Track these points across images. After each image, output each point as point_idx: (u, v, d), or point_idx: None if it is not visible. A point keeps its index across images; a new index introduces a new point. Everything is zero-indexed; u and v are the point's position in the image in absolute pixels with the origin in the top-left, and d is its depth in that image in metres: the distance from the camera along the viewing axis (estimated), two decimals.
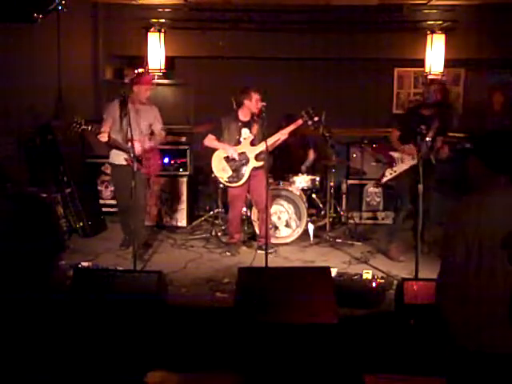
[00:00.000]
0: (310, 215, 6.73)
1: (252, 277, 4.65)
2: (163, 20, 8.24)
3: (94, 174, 7.60)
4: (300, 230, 6.57)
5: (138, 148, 5.73)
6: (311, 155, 7.32)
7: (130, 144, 5.47)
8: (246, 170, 6.12)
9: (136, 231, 5.59)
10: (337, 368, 3.80)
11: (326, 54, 8.39)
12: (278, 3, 8.05)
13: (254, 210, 6.45)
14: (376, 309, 4.70)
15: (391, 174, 6.08)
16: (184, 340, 4.10)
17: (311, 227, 6.64)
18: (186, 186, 7.42)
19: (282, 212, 6.58)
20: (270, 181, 6.44)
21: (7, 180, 5.56)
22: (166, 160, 7.33)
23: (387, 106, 8.70)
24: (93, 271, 4.97)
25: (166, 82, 8.21)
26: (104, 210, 7.40)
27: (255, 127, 6.11)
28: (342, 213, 7.35)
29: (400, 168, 6.00)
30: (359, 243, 6.66)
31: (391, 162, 6.07)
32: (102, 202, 7.50)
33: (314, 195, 7.01)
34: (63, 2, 5.07)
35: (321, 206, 7.04)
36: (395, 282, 5.01)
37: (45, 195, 6.01)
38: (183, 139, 7.58)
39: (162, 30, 8.20)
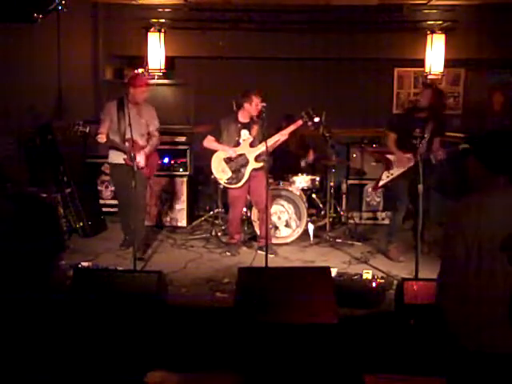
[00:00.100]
0: (310, 215, 6.74)
1: (252, 277, 4.65)
2: (163, 20, 8.24)
3: (94, 174, 7.61)
4: (300, 230, 6.57)
5: (141, 160, 5.75)
6: (311, 155, 7.33)
7: (127, 144, 5.51)
8: (246, 172, 6.12)
9: (136, 231, 5.60)
10: (337, 368, 3.81)
11: (326, 54, 8.40)
12: (278, 3, 8.05)
13: (254, 210, 6.45)
14: (376, 309, 4.71)
15: (388, 176, 6.08)
16: (184, 340, 4.10)
17: (311, 227, 6.64)
18: (186, 186, 7.42)
19: (282, 212, 6.58)
20: (270, 181, 6.44)
21: (7, 180, 5.56)
22: (166, 160, 7.34)
23: (387, 106, 8.70)
24: (93, 271, 4.97)
25: (166, 81, 8.20)
26: (104, 210, 7.40)
27: (255, 128, 6.11)
28: (342, 213, 7.35)
29: (397, 171, 6.00)
30: (359, 243, 6.66)
31: (388, 165, 6.07)
32: (102, 202, 7.50)
33: (314, 195, 7.01)
34: (63, 1, 5.07)
35: (321, 205, 7.04)
36: (395, 282, 5.01)
37: (45, 195, 6.01)
38: (183, 139, 7.58)
39: (162, 30, 8.20)
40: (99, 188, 7.59)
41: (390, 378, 3.60)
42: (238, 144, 6.14)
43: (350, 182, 7.64)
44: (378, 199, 7.67)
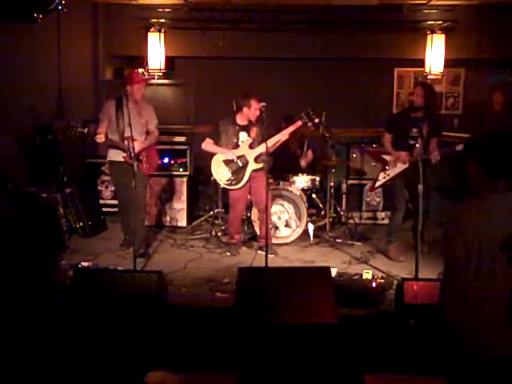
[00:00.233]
0: (310, 215, 6.73)
1: (252, 277, 4.64)
2: (163, 20, 8.23)
3: (94, 174, 7.61)
4: (300, 230, 6.57)
5: (137, 147, 5.75)
6: (310, 155, 7.32)
7: (126, 142, 5.53)
8: (246, 173, 6.11)
9: (136, 231, 5.60)
10: (337, 368, 3.81)
11: (326, 54, 8.39)
12: (278, 3, 8.05)
13: (254, 210, 6.45)
14: (376, 309, 4.70)
15: (384, 177, 6.08)
16: (184, 340, 4.10)
17: (311, 227, 6.64)
18: (186, 186, 7.42)
19: (282, 212, 6.58)
20: (270, 181, 6.44)
21: (7, 180, 5.56)
22: (166, 160, 7.34)
23: (387, 106, 8.70)
24: (93, 271, 4.97)
25: (165, 81, 8.21)
26: (104, 209, 7.40)
27: (254, 130, 6.10)
28: (342, 213, 7.35)
29: (393, 171, 6.00)
30: (359, 243, 6.66)
31: (384, 166, 6.08)
32: (102, 201, 7.50)
33: (314, 195, 7.00)
34: (63, 1, 5.07)
35: (321, 206, 7.04)
36: (395, 282, 5.01)
37: (45, 195, 6.01)
38: (183, 139, 7.58)
39: (162, 30, 8.20)
40: (99, 188, 7.60)
41: (390, 378, 3.60)
42: (237, 146, 6.13)
43: (349, 181, 7.64)
44: (377, 199, 7.68)
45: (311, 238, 6.63)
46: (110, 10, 8.35)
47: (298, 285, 4.49)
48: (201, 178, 7.75)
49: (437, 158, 5.69)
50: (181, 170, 7.43)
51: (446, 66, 8.23)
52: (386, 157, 6.05)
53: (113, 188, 7.21)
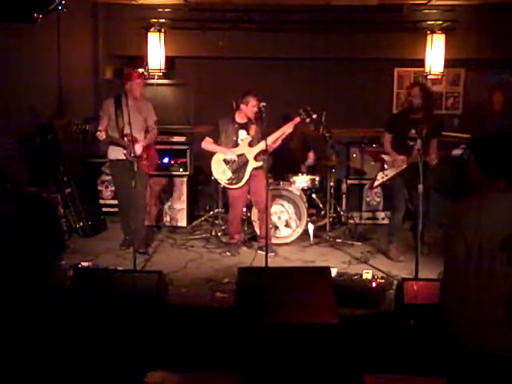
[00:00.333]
0: (310, 215, 6.73)
1: (252, 277, 4.64)
2: (163, 20, 8.23)
3: (94, 174, 7.61)
4: (300, 230, 6.57)
5: (138, 149, 5.79)
6: (311, 156, 7.33)
7: (126, 139, 5.57)
8: (246, 171, 6.12)
9: (136, 231, 5.61)
10: (337, 368, 3.80)
11: (326, 54, 8.39)
12: (278, 3, 8.05)
13: (254, 210, 6.45)
14: (376, 309, 4.70)
15: (383, 177, 6.08)
16: (184, 340, 4.10)
17: (311, 227, 6.64)
18: (186, 186, 7.42)
19: (282, 212, 6.58)
20: (270, 181, 6.45)
21: (7, 180, 5.56)
22: (166, 160, 7.34)
23: (387, 106, 8.69)
24: (93, 271, 4.97)
25: (166, 81, 8.20)
26: (104, 209, 7.40)
27: (253, 128, 6.11)
28: (342, 213, 7.35)
29: (391, 172, 6.00)
30: (359, 243, 6.66)
31: (383, 166, 6.08)
32: (102, 201, 7.51)
33: (314, 195, 7.01)
34: (63, 1, 5.07)
35: (321, 206, 7.04)
36: (395, 282, 5.01)
37: (45, 195, 6.01)
38: (183, 139, 7.58)
39: (162, 30, 8.20)
40: (99, 188, 7.60)
41: (390, 378, 3.60)
42: (236, 144, 6.14)
43: (349, 181, 7.64)
44: (377, 199, 7.68)
45: (311, 238, 6.63)
46: (110, 9, 8.34)
47: (298, 285, 4.49)
48: (201, 178, 7.75)
49: (434, 161, 5.70)
50: (181, 169, 7.43)
51: (446, 66, 8.22)
52: (385, 157, 6.06)
53: (113, 188, 7.22)
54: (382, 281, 4.92)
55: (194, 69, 8.53)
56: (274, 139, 6.03)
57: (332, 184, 6.89)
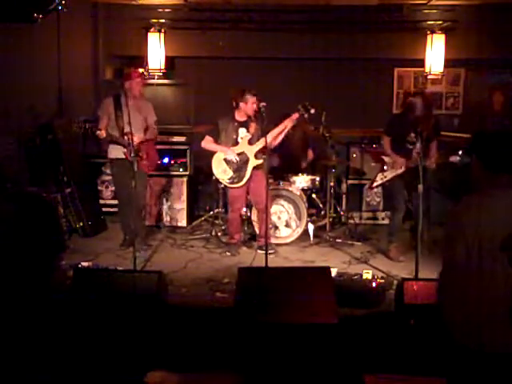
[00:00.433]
0: (310, 215, 6.73)
1: (252, 277, 4.64)
2: (163, 20, 8.23)
3: (94, 174, 7.61)
4: (300, 230, 6.57)
5: (136, 139, 5.80)
6: (310, 155, 7.33)
7: (126, 138, 5.58)
8: (247, 170, 6.12)
9: (136, 230, 5.61)
10: (337, 368, 3.80)
11: (326, 54, 8.39)
12: (278, 3, 8.05)
13: (254, 210, 6.45)
14: (376, 309, 4.71)
15: (382, 178, 6.10)
16: (184, 340, 4.10)
17: (311, 227, 6.64)
18: (186, 186, 7.42)
19: (282, 212, 6.58)
20: (270, 181, 6.45)
21: (7, 180, 5.56)
22: (166, 160, 7.34)
23: (387, 106, 8.69)
24: (93, 271, 4.98)
25: (166, 81, 8.21)
26: (104, 209, 7.41)
27: (253, 126, 6.12)
28: (342, 213, 7.35)
29: (391, 173, 6.01)
30: (359, 243, 6.66)
31: (382, 166, 6.09)
32: (102, 201, 7.51)
33: (314, 195, 7.00)
34: (63, 1, 5.06)
35: (321, 206, 7.04)
36: (395, 282, 5.01)
37: (45, 195, 6.01)
38: (183, 139, 7.58)
39: (162, 30, 8.20)
40: (99, 188, 7.60)
41: (390, 378, 3.60)
42: (236, 143, 6.15)
43: (349, 182, 7.65)
44: (377, 199, 7.68)
45: (311, 238, 6.63)
46: (110, 9, 8.34)
47: (298, 285, 4.49)
48: (201, 178, 7.75)
49: (432, 165, 5.72)
50: (181, 169, 7.43)
51: (446, 66, 8.22)
52: (385, 158, 6.07)
53: (113, 188, 7.22)
54: (382, 281, 4.92)
55: (194, 69, 8.52)
56: (274, 136, 6.04)
57: (332, 184, 6.89)
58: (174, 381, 3.44)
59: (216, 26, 8.27)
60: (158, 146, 6.64)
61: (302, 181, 6.85)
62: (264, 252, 5.20)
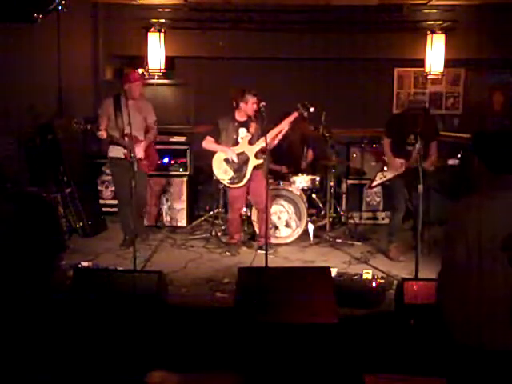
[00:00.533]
0: (310, 215, 6.73)
1: (252, 277, 4.64)
2: (163, 20, 8.23)
3: (94, 174, 7.61)
4: (300, 230, 6.57)
5: (139, 152, 5.82)
6: (310, 155, 7.33)
7: (127, 139, 5.59)
8: (248, 170, 6.13)
9: (136, 230, 5.62)
10: (337, 368, 3.80)
11: (326, 54, 8.39)
12: (278, 3, 8.05)
13: (254, 210, 6.45)
14: (376, 309, 4.71)
15: (381, 178, 6.11)
16: (184, 340, 4.10)
17: (311, 227, 6.64)
18: (186, 186, 7.42)
19: (282, 212, 6.58)
20: (270, 181, 6.45)
21: (7, 180, 5.56)
22: (166, 160, 7.34)
23: (387, 106, 8.69)
24: (93, 271, 4.97)
25: (166, 81, 8.21)
26: (104, 209, 7.41)
27: (253, 126, 6.12)
28: (342, 213, 7.35)
29: (390, 174, 6.02)
30: (359, 243, 6.66)
31: (383, 166, 6.10)
32: (102, 201, 7.51)
33: (314, 195, 7.00)
34: (63, 1, 5.06)
35: (321, 206, 7.04)
36: (395, 282, 5.01)
37: (45, 195, 6.01)
38: (183, 139, 7.58)
39: (162, 30, 8.19)
40: (99, 188, 7.60)
41: (390, 378, 3.60)
42: (236, 143, 6.15)
43: (349, 181, 7.65)
44: (378, 199, 7.68)
45: (311, 238, 6.63)
46: (110, 9, 8.34)
47: (298, 285, 4.49)
48: (201, 178, 7.75)
49: (430, 168, 5.73)
50: (181, 169, 7.43)
51: (446, 66, 8.22)
52: (385, 158, 6.08)
53: (113, 188, 7.22)
54: (382, 281, 4.92)
55: (194, 69, 8.52)
56: (274, 135, 6.04)
57: (332, 184, 6.89)
58: (174, 381, 3.44)
59: (216, 25, 8.27)
60: (158, 146, 6.64)
61: (301, 181, 6.85)
62: (264, 252, 5.21)
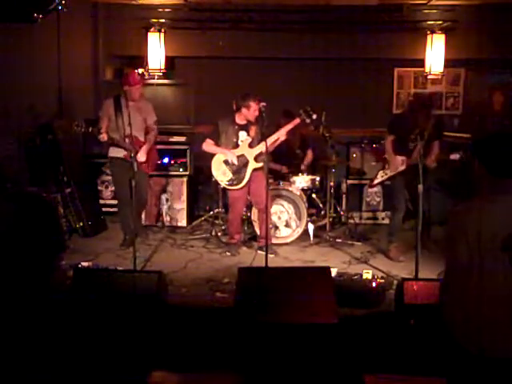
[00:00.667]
0: (310, 215, 6.73)
1: (252, 277, 4.64)
2: (163, 20, 8.23)
3: (94, 174, 7.62)
4: (300, 230, 6.57)
5: (142, 156, 5.85)
6: (310, 155, 7.32)
7: (128, 140, 5.59)
8: (247, 172, 6.12)
9: (136, 230, 5.62)
10: (337, 368, 3.81)
11: (326, 54, 8.39)
12: (278, 3, 8.05)
13: (254, 210, 6.45)
14: (376, 309, 4.70)
15: (382, 176, 6.15)
16: (184, 340, 4.10)
17: (311, 227, 6.64)
18: (186, 186, 7.42)
19: (282, 212, 6.58)
20: (270, 181, 6.45)
21: (7, 180, 5.56)
22: (166, 160, 7.34)
23: (387, 106, 8.69)
24: (93, 271, 4.97)
25: (166, 81, 8.21)
26: (104, 209, 7.41)
27: (253, 129, 6.11)
28: (342, 213, 7.35)
29: (391, 172, 6.03)
30: (359, 243, 6.66)
31: (384, 165, 6.12)
32: (102, 201, 7.51)
33: (314, 195, 7.01)
34: (63, 1, 5.06)
35: (321, 206, 7.04)
36: (395, 282, 5.01)
37: (45, 195, 6.01)
38: (183, 139, 7.58)
39: (162, 30, 8.19)
40: (99, 188, 7.60)
41: (390, 378, 3.60)
42: (236, 145, 6.14)
43: (349, 181, 7.65)
44: (378, 199, 7.68)
45: (311, 238, 6.63)
46: (110, 9, 8.34)
47: (298, 285, 4.48)
48: (201, 178, 7.75)
49: (432, 164, 5.74)
50: (181, 170, 7.43)
51: (446, 66, 8.22)
52: (387, 156, 6.09)
53: (113, 188, 7.22)
54: (382, 281, 4.92)
55: (194, 69, 8.52)
56: (273, 141, 6.03)
57: (332, 184, 6.89)
58: (175, 381, 3.45)
59: (216, 25, 8.26)
60: (158, 146, 6.65)
61: (301, 181, 6.85)
62: (264, 252, 5.21)
